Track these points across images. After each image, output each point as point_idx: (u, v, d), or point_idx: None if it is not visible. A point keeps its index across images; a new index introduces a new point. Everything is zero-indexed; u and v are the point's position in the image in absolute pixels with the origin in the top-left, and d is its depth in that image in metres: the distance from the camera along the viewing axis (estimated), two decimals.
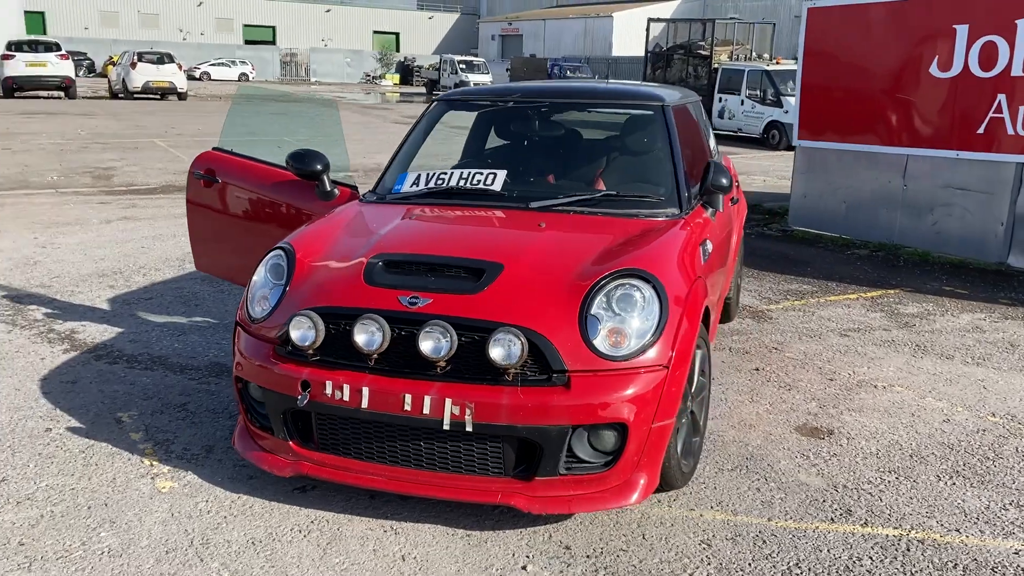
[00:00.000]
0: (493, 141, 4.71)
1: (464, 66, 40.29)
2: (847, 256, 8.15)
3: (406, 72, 50.83)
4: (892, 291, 6.81)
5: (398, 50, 68.72)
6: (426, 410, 2.89)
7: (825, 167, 9.05)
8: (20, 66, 24.79)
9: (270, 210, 4.56)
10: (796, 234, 9.22)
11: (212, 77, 48.89)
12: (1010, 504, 3.37)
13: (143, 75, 26.77)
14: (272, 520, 3.10)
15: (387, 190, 4.10)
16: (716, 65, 22.03)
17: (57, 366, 4.60)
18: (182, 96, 28.12)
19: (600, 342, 2.94)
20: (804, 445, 3.87)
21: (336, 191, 4.34)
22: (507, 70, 44.39)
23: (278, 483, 3.33)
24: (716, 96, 21.78)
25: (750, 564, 2.90)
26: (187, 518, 3.09)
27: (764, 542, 3.04)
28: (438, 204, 3.86)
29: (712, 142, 5.53)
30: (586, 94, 4.45)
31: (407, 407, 2.91)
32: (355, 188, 4.40)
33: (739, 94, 21.14)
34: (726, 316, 5.61)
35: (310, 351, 3.04)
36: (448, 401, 2.87)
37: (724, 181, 3.90)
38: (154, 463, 3.51)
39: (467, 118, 4.71)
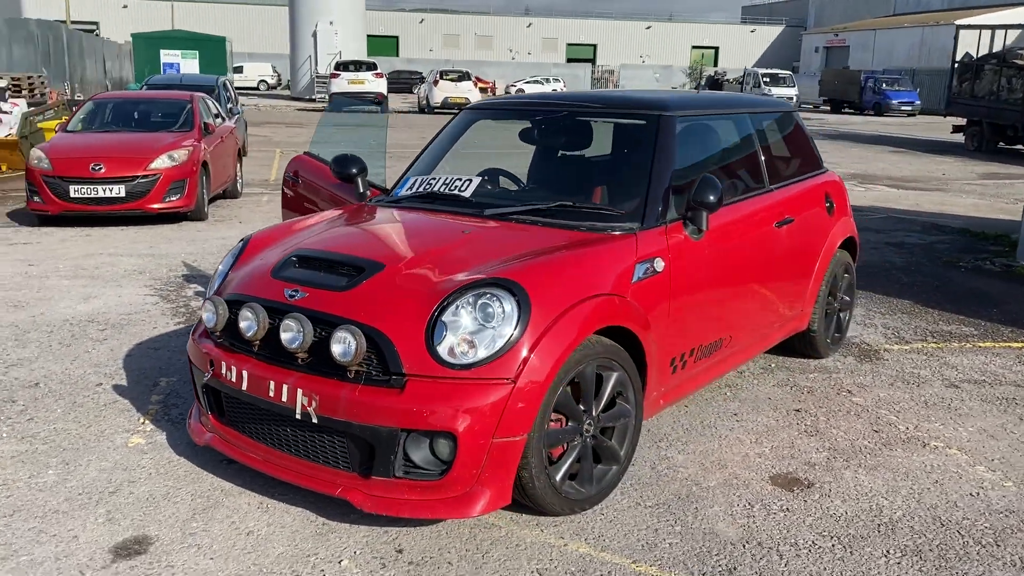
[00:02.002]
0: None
1: (768, 79, 38.86)
2: None
3: (715, 86, 50.03)
4: None
5: (716, 64, 67.87)
6: (284, 398, 3.07)
7: None
8: (343, 84, 28.42)
9: (334, 205, 4.97)
10: (1019, 270, 7.92)
11: (526, 93, 51.82)
12: None
13: (443, 91, 29.28)
14: (182, 483, 3.44)
15: (391, 193, 4.30)
16: None
17: (160, 334, 5.37)
18: None
19: (444, 349, 2.91)
20: (761, 495, 3.45)
21: (369, 193, 4.63)
22: (819, 83, 42.08)
23: (216, 452, 3.66)
24: None
25: None
26: (122, 470, 3.54)
27: None
28: (409, 207, 3.99)
29: (804, 158, 5.03)
30: (587, 103, 4.29)
31: (271, 393, 3.11)
32: (387, 192, 4.65)
33: None
34: (812, 351, 5.06)
35: (216, 333, 3.36)
36: (299, 392, 3.03)
37: (710, 198, 3.60)
38: (146, 421, 4.03)
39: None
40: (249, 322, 3.18)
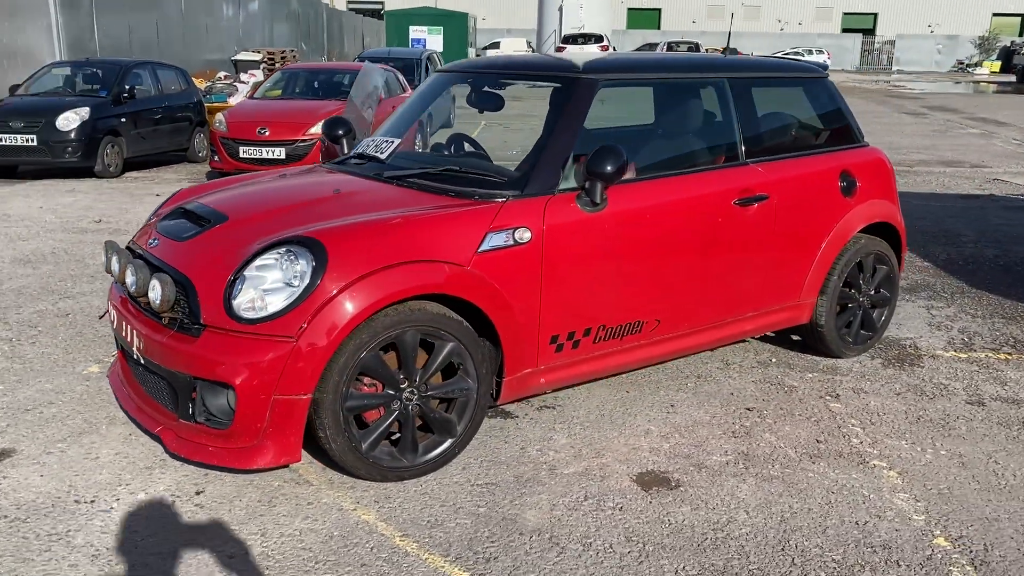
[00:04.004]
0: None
1: None
2: None
3: (1008, 57, 44.40)
4: None
5: (1021, 34, 59.99)
6: (129, 338, 3.29)
7: None
8: None
9: None
10: None
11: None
12: None
13: None
14: (87, 408, 3.78)
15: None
16: None
17: None
18: None
19: (239, 303, 2.96)
20: (608, 490, 3.15)
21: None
22: None
23: None
24: None
25: (294, 557, 2.69)
26: (55, 393, 3.95)
27: (346, 546, 2.75)
28: (333, 169, 4.04)
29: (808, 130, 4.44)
30: (510, 67, 4.05)
31: (123, 333, 3.34)
32: None
33: None
34: (824, 349, 4.48)
35: (110, 275, 3.64)
36: (135, 333, 3.22)
37: (607, 169, 3.32)
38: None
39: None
40: (116, 267, 3.42)
